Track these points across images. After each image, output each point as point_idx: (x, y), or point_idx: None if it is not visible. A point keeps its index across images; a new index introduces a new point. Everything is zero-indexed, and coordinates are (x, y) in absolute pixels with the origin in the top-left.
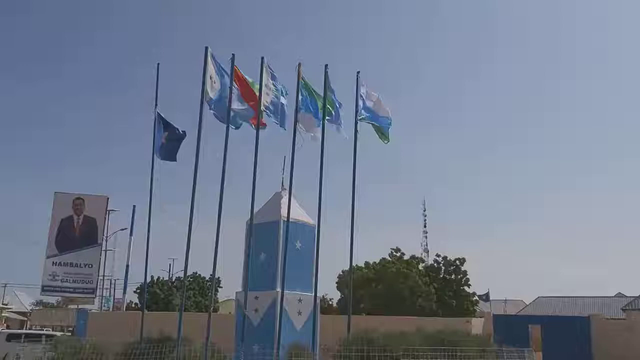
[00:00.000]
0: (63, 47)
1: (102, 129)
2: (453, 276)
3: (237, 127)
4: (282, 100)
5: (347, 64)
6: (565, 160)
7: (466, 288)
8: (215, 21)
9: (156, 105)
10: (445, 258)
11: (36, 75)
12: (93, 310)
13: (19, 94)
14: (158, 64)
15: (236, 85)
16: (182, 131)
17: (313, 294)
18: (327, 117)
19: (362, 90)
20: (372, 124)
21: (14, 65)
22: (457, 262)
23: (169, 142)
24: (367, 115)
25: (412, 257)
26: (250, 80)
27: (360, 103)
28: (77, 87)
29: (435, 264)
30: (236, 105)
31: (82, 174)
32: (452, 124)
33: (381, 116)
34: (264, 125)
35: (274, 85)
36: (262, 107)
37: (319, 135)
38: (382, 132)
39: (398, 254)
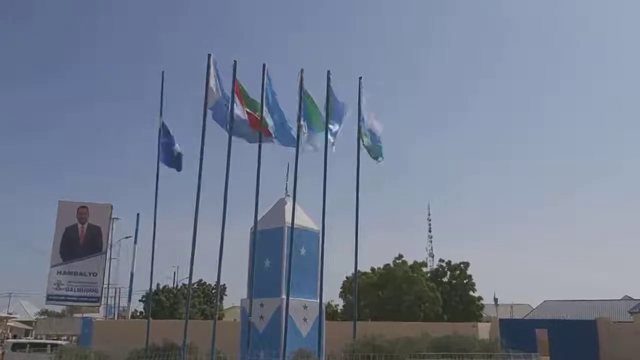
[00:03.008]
0: (67, 53)
1: (105, 134)
2: (458, 281)
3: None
4: (277, 115)
5: (347, 65)
6: (566, 163)
7: (471, 293)
8: (216, 23)
9: (161, 113)
10: (449, 263)
11: (39, 80)
12: (98, 319)
13: (22, 99)
14: (163, 72)
15: (237, 97)
16: (178, 153)
17: (318, 300)
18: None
19: (365, 98)
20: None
21: (17, 71)
22: (462, 266)
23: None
24: (367, 133)
25: (415, 262)
26: (248, 94)
27: (363, 112)
28: (80, 92)
29: (440, 269)
30: (237, 114)
31: (85, 179)
32: (454, 127)
33: (374, 134)
34: (269, 135)
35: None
36: (264, 116)
37: (318, 145)
38: (375, 150)
39: (400, 261)
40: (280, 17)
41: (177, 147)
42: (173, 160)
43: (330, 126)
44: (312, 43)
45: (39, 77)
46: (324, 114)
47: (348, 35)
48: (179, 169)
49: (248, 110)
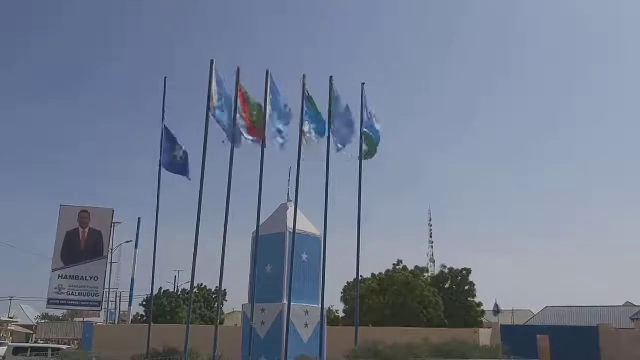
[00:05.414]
0: (68, 59)
1: (107, 140)
2: (459, 287)
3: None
4: (277, 123)
5: (351, 75)
6: (566, 169)
7: (473, 299)
8: (218, 29)
9: (163, 118)
10: (451, 269)
11: (42, 90)
12: (99, 323)
13: (27, 112)
14: (165, 77)
15: (239, 101)
16: (184, 151)
17: (320, 305)
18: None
19: (366, 101)
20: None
21: (22, 85)
22: (464, 272)
23: (182, 159)
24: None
25: (417, 267)
26: (250, 97)
27: (365, 115)
28: (82, 96)
29: (441, 274)
30: (239, 120)
31: (87, 185)
32: (456, 133)
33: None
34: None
35: (273, 103)
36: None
37: (321, 150)
38: (371, 145)
39: (401, 266)
40: (284, 26)
41: (180, 151)
42: (177, 166)
43: (334, 130)
44: (315, 53)
45: (42, 86)
46: (326, 118)
47: (352, 45)
48: (184, 173)
49: (248, 117)
